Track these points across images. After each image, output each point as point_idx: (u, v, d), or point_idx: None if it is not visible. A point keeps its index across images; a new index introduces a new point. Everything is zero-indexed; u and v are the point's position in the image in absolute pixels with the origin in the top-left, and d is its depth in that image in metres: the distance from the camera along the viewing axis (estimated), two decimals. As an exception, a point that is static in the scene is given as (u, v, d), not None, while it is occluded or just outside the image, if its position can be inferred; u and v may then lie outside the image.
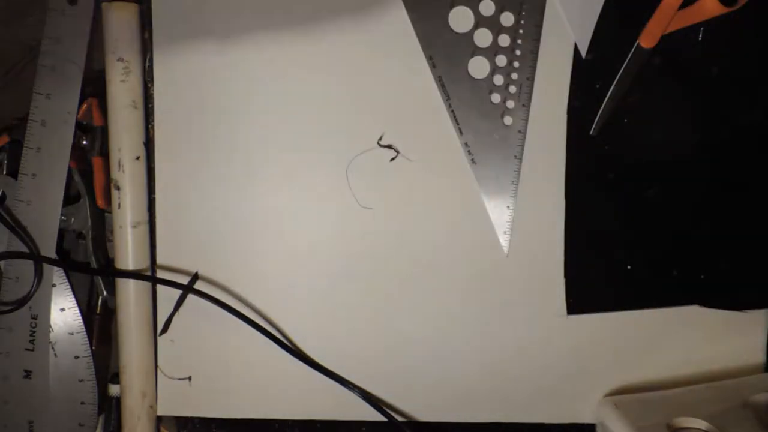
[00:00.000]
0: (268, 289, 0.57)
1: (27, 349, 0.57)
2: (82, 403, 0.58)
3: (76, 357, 0.57)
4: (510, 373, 0.58)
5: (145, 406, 0.58)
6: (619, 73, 0.54)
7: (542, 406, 0.58)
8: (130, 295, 0.57)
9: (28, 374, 0.57)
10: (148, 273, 0.57)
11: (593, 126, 0.55)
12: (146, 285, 0.57)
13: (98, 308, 0.59)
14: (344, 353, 0.58)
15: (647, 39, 0.53)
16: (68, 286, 0.57)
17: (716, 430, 0.51)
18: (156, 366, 0.59)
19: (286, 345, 0.57)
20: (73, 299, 0.57)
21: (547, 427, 0.59)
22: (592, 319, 0.57)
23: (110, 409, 0.59)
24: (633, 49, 0.54)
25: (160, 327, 0.58)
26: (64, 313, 0.57)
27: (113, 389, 0.59)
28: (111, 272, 0.58)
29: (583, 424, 0.58)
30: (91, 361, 0.58)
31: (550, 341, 0.57)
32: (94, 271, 0.58)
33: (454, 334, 0.57)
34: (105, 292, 0.59)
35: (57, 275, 0.57)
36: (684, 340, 0.58)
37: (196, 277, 0.57)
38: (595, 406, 0.57)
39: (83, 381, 0.58)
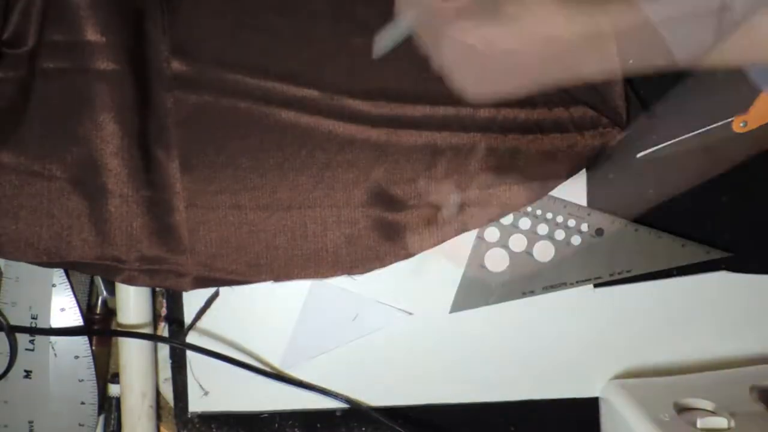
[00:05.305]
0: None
1: (27, 349, 0.57)
2: (82, 403, 0.57)
3: (76, 357, 0.57)
4: (517, 353, 0.58)
5: (145, 406, 0.58)
6: (698, 131, 0.54)
7: (546, 384, 0.58)
8: (130, 295, 0.57)
9: (28, 374, 0.57)
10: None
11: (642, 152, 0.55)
12: (146, 285, 0.58)
13: (98, 308, 0.59)
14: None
15: (739, 126, 0.53)
16: (68, 286, 0.57)
17: (723, 412, 0.50)
18: (156, 366, 0.59)
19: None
20: (73, 299, 0.57)
21: (549, 402, 0.58)
22: (604, 300, 0.57)
23: (110, 409, 0.59)
24: (721, 124, 0.54)
25: (162, 327, 0.59)
26: (64, 313, 0.57)
27: (113, 389, 0.59)
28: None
29: (585, 399, 0.58)
30: (91, 361, 0.58)
31: (559, 321, 0.57)
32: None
33: (459, 316, 0.57)
34: (105, 292, 0.59)
35: (57, 275, 0.57)
36: (698, 328, 0.58)
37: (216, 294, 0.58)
38: (602, 387, 0.57)
39: (83, 381, 0.57)
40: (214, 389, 0.59)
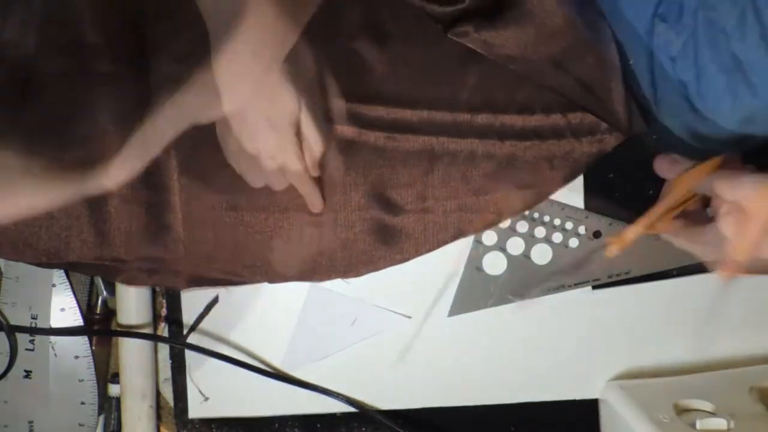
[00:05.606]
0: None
1: (27, 349, 0.57)
2: (82, 403, 0.58)
3: (76, 357, 0.58)
4: (516, 355, 0.58)
5: (145, 406, 0.58)
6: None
7: (546, 386, 0.58)
8: (130, 295, 0.57)
9: (28, 374, 0.57)
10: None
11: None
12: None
13: (98, 308, 0.59)
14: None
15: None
16: (68, 286, 0.58)
17: (722, 413, 0.50)
18: (156, 366, 0.59)
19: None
20: (73, 299, 0.58)
21: (548, 404, 0.58)
22: (603, 301, 0.57)
23: (110, 409, 0.59)
24: None
25: (162, 327, 0.59)
26: (64, 313, 0.57)
27: (113, 389, 0.59)
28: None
29: (585, 401, 0.58)
30: (91, 361, 0.58)
31: (558, 323, 0.57)
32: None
33: (457, 319, 0.57)
34: (105, 292, 0.59)
35: (57, 275, 0.57)
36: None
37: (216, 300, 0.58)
38: (601, 388, 0.57)
39: (83, 381, 0.58)
40: (214, 395, 0.59)
